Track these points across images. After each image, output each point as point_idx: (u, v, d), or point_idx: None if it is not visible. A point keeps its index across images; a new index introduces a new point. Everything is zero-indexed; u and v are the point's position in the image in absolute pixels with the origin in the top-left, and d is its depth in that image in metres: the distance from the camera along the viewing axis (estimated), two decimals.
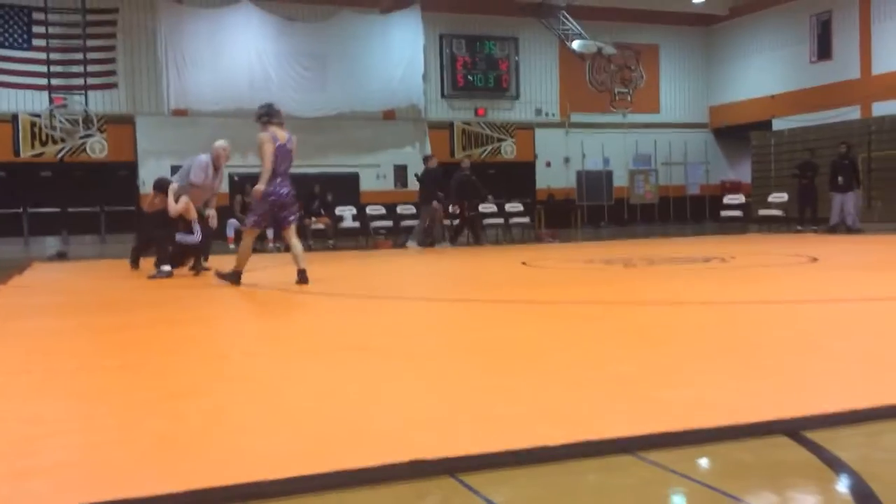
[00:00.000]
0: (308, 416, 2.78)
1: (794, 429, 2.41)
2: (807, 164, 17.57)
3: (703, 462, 2.26)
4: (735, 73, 26.45)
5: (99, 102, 20.84)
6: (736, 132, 26.01)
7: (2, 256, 14.88)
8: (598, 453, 2.26)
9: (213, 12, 20.96)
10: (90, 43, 20.56)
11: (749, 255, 11.10)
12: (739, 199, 20.53)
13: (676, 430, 2.43)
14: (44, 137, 20.35)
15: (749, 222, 20.12)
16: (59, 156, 20.52)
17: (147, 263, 9.81)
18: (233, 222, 16.18)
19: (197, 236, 9.45)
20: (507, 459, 2.21)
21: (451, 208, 16.62)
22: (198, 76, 20.67)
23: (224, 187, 19.68)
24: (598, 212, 25.85)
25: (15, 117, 20.13)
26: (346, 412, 2.83)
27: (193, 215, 9.41)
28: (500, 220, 18.48)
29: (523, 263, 10.52)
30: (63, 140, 20.45)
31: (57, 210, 20.39)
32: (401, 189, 22.19)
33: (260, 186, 7.70)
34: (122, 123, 20.86)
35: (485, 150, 24.13)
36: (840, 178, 16.51)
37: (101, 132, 20.79)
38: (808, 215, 17.36)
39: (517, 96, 25.02)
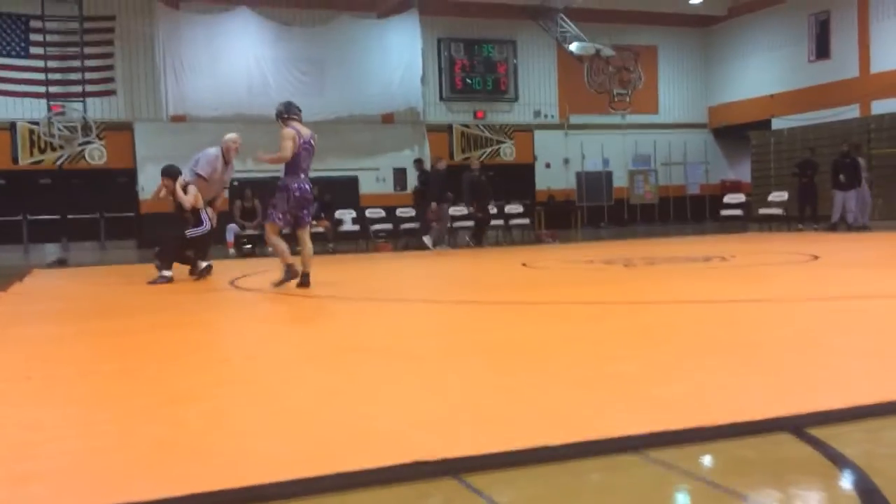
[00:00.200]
0: (309, 419, 2.77)
1: (796, 426, 2.41)
2: (807, 162, 17.57)
3: (707, 460, 2.25)
4: (734, 72, 26.46)
5: (97, 109, 20.84)
6: (735, 132, 26.01)
7: (2, 264, 14.87)
8: (601, 452, 2.26)
9: (210, 18, 20.97)
10: (88, 50, 20.57)
11: (749, 253, 11.09)
12: (739, 198, 20.51)
13: (679, 428, 2.42)
14: (42, 145, 20.35)
15: (749, 221, 20.11)
16: (58, 163, 20.52)
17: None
18: (232, 227, 16.16)
19: (206, 225, 9.42)
20: (510, 460, 2.20)
21: (469, 209, 16.71)
22: (196, 82, 20.68)
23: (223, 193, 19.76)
24: (597, 212, 25.85)
25: (13, 125, 20.13)
26: (347, 414, 2.82)
27: (200, 204, 9.40)
28: (500, 222, 18.48)
29: (523, 265, 10.51)
30: (62, 147, 20.45)
31: (56, 217, 20.39)
32: (400, 192, 22.19)
33: (267, 156, 7.69)
34: (120, 130, 20.86)
35: (484, 153, 24.13)
36: (842, 176, 16.50)
37: (100, 139, 20.79)
38: (808, 213, 17.36)
39: (516, 98, 25.03)
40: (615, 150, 26.03)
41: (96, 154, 20.83)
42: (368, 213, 18.78)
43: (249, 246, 16.20)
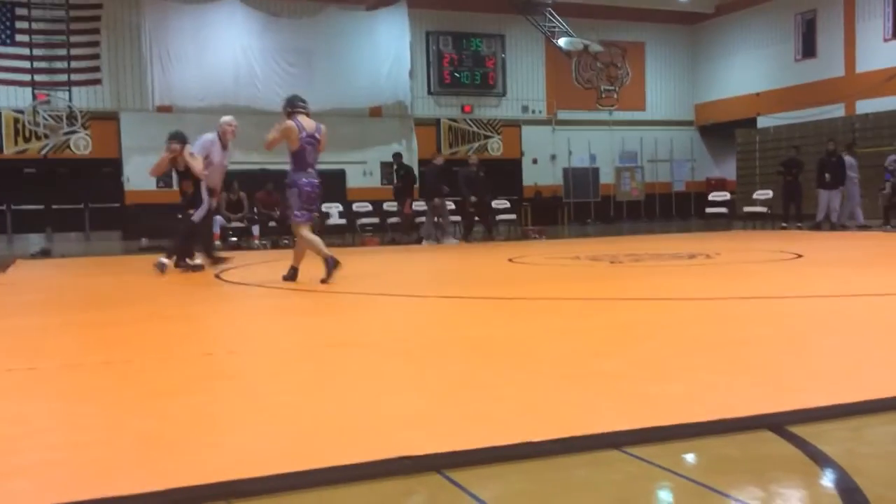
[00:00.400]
0: (294, 414, 2.77)
1: (778, 423, 2.43)
2: (791, 161, 17.65)
3: (689, 457, 2.27)
4: (720, 70, 26.55)
5: (83, 98, 20.68)
6: (721, 129, 26.12)
7: None
8: (585, 449, 2.27)
9: (197, 8, 20.84)
10: (74, 39, 20.39)
11: (734, 251, 11.15)
12: (725, 195, 20.61)
13: (662, 425, 2.44)
14: (27, 134, 20.18)
15: (734, 219, 20.21)
16: (43, 152, 20.35)
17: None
18: (218, 219, 16.10)
19: (205, 204, 9.35)
20: (494, 455, 2.21)
21: (468, 205, 16.78)
22: (182, 72, 20.55)
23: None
24: (584, 209, 25.90)
25: None
26: (332, 409, 2.82)
27: (203, 176, 9.32)
28: (475, 217, 18.48)
29: (510, 260, 10.53)
30: (46, 136, 20.28)
31: (41, 207, 20.24)
32: (387, 186, 22.15)
33: (270, 135, 7.66)
34: (106, 120, 20.71)
35: (471, 148, 24.12)
36: (827, 175, 16.59)
37: (85, 128, 20.64)
38: (792, 212, 17.45)
39: (504, 93, 25.02)
40: (602, 146, 26.09)
41: (81, 144, 20.68)
42: (355, 206, 18.75)
43: (235, 238, 16.16)
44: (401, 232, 17.25)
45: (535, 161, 25.38)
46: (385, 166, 22.66)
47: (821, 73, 22.80)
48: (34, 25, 20.04)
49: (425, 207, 16.55)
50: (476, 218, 16.85)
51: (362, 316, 5.74)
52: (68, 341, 4.68)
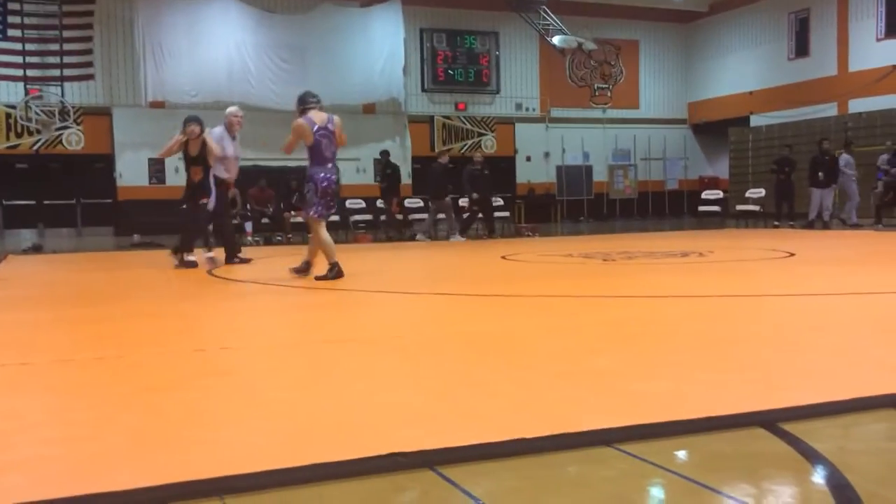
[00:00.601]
0: (286, 410, 2.77)
1: (770, 421, 2.43)
2: (784, 159, 17.69)
3: (681, 454, 2.27)
4: (714, 69, 26.60)
5: (75, 94, 20.61)
6: (714, 128, 26.17)
7: None
8: (577, 446, 2.27)
9: (191, 3, 20.76)
10: (67, 34, 20.32)
11: (727, 249, 11.18)
12: (717, 194, 20.66)
13: (654, 422, 2.44)
14: (19, 129, 20.10)
15: (727, 217, 20.26)
16: (35, 148, 20.28)
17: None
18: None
19: (213, 194, 9.34)
20: (486, 452, 2.21)
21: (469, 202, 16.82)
22: (176, 68, 20.49)
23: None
24: (577, 206, 25.93)
25: None
26: (325, 405, 2.82)
27: (215, 153, 9.33)
28: (479, 215, 18.49)
29: (503, 257, 10.54)
30: (39, 132, 20.21)
31: (32, 203, 20.17)
32: (381, 183, 22.14)
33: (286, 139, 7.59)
34: (98, 115, 20.64)
35: (465, 145, 24.12)
36: (821, 174, 16.63)
37: (78, 124, 20.57)
38: (785, 210, 17.49)
39: (497, 91, 25.02)
40: (595, 144, 26.12)
41: (74, 139, 20.60)
42: (348, 203, 18.73)
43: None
44: (393, 230, 17.26)
45: (528, 159, 25.40)
46: (378, 163, 22.64)
47: (814, 72, 22.86)
48: (26, 20, 19.97)
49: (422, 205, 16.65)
50: (480, 215, 16.90)
51: (356, 312, 5.74)
52: (60, 337, 4.67)
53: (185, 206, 9.41)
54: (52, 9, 20.11)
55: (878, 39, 21.30)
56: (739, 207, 19.66)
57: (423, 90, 24.08)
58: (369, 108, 22.81)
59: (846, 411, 2.58)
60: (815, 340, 3.93)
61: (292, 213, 16.70)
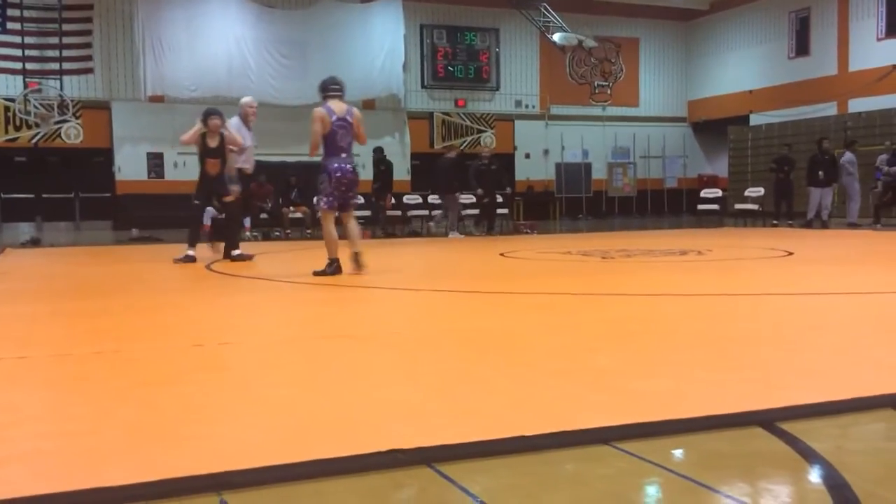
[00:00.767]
0: (284, 405, 2.77)
1: (768, 420, 2.43)
2: (783, 158, 17.67)
3: (679, 452, 2.27)
4: (714, 67, 26.60)
5: (74, 88, 20.59)
6: (714, 126, 26.17)
7: None
8: (575, 444, 2.27)
9: None
10: (66, 27, 20.29)
11: (725, 248, 11.18)
12: (716, 192, 20.65)
13: (653, 420, 2.44)
14: (18, 122, 20.07)
15: (725, 216, 20.26)
16: (34, 141, 20.25)
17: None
18: (209, 210, 16.03)
19: (233, 187, 9.38)
20: (485, 449, 2.21)
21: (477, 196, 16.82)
22: (175, 62, 20.47)
23: None
24: (576, 204, 25.93)
25: None
26: (323, 401, 2.82)
27: (240, 143, 9.35)
28: (476, 211, 18.49)
29: (501, 255, 10.53)
30: (38, 125, 20.19)
31: (31, 196, 20.15)
32: (373, 181, 22.12)
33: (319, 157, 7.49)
34: (97, 109, 20.62)
35: (464, 142, 24.10)
36: (821, 173, 16.62)
37: (77, 118, 20.54)
38: (783, 209, 17.48)
39: (497, 88, 25.01)
40: (595, 141, 26.12)
41: (72, 133, 20.58)
42: None
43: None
44: (387, 225, 17.27)
45: (527, 156, 25.39)
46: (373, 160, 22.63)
47: (814, 72, 22.86)
48: (26, 13, 19.93)
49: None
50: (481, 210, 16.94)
51: (355, 308, 5.74)
52: (58, 330, 4.66)
53: (197, 202, 9.42)
54: (52, 2, 20.07)
55: (878, 39, 21.29)
56: (738, 206, 19.66)
57: (423, 86, 24.06)
58: (369, 104, 22.77)
59: (845, 411, 2.58)
60: (814, 340, 3.93)
61: (291, 208, 16.70)
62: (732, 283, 6.87)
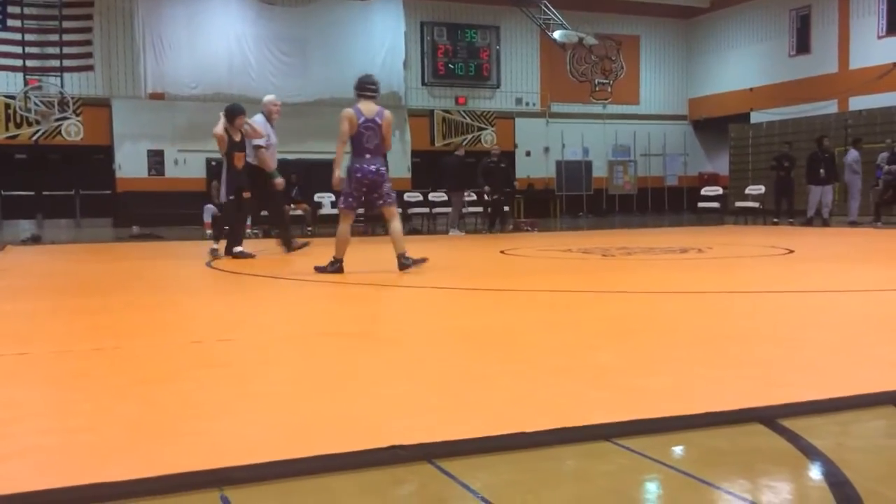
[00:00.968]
0: (285, 402, 2.77)
1: (769, 417, 2.43)
2: (784, 156, 17.67)
3: (680, 449, 2.27)
4: (714, 65, 26.59)
5: (75, 85, 20.58)
6: (714, 124, 26.17)
7: None
8: (576, 440, 2.27)
9: None
10: (67, 24, 20.28)
11: (726, 246, 11.18)
12: (717, 190, 20.65)
13: (654, 417, 2.44)
14: (18, 119, 20.07)
15: (726, 214, 20.26)
16: (34, 138, 20.25)
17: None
18: (210, 208, 16.04)
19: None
20: (486, 446, 2.21)
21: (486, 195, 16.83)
22: (175, 60, 20.46)
23: (201, 172, 19.60)
24: (577, 202, 25.93)
25: None
26: (324, 398, 2.82)
27: (260, 132, 9.39)
28: (479, 209, 18.52)
29: (502, 252, 10.53)
30: (38, 122, 20.19)
31: (31, 193, 20.15)
32: None
33: (335, 172, 7.42)
34: (98, 106, 20.62)
35: (465, 139, 24.09)
36: (822, 171, 16.61)
37: (77, 115, 20.54)
38: (784, 207, 17.48)
39: (498, 85, 25.00)
40: (595, 139, 26.11)
41: (73, 130, 20.58)
42: None
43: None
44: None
45: (528, 153, 25.39)
46: None
47: (814, 69, 22.86)
48: (26, 10, 19.92)
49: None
50: (488, 209, 16.95)
51: (355, 305, 5.73)
52: (58, 327, 4.66)
53: (232, 198, 9.44)
54: None
55: (879, 37, 21.28)
56: (739, 204, 19.65)
57: (424, 84, 24.05)
58: None
59: (845, 408, 2.58)
60: (815, 337, 3.93)
61: (292, 206, 16.67)
62: (733, 281, 6.87)
